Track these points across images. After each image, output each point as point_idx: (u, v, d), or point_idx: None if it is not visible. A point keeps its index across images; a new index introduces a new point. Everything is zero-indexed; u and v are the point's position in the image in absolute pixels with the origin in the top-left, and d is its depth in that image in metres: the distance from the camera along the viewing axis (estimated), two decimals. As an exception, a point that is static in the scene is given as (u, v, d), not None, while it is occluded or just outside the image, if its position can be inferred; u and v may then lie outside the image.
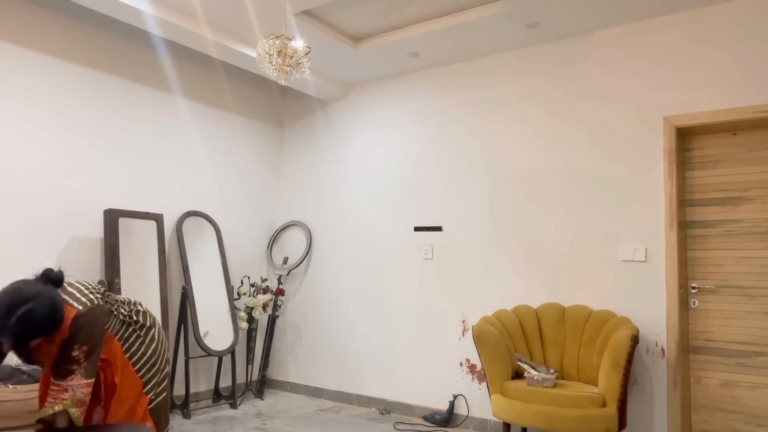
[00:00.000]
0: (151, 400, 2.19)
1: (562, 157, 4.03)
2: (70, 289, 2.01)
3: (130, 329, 2.18)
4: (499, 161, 4.30)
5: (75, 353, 1.94)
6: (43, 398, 2.03)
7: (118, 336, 2.14)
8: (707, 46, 3.56)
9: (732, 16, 3.50)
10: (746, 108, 3.39)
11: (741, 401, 3.42)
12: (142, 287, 4.08)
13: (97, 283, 3.89)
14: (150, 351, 2.22)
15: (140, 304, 2.28)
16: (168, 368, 2.32)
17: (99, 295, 2.06)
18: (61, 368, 1.92)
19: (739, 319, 3.46)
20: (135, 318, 2.20)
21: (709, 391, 3.52)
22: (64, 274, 2.00)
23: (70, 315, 1.95)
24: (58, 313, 1.88)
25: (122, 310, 2.17)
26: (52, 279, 1.95)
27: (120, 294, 3.90)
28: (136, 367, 2.17)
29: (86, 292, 2.03)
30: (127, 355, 2.15)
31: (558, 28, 3.95)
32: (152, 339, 2.24)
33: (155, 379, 2.22)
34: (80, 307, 1.96)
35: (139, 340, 2.19)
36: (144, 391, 2.17)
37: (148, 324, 2.24)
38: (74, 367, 1.93)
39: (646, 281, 3.63)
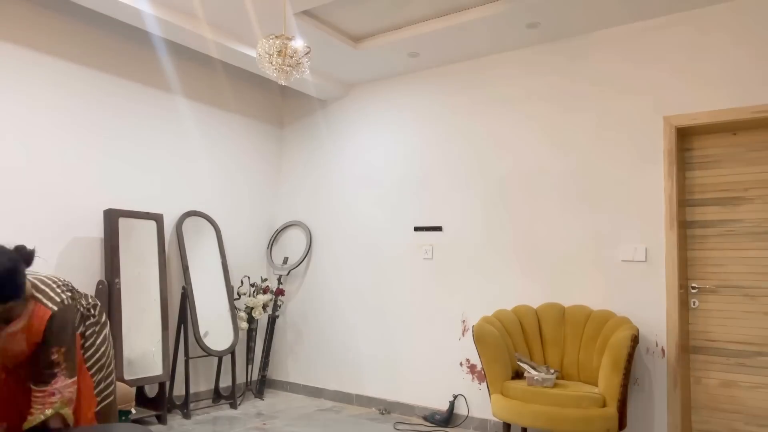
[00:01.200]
0: (98, 403, 2.12)
1: (561, 157, 4.03)
2: (42, 287, 1.96)
3: (88, 323, 2.12)
4: (498, 161, 4.30)
5: (54, 356, 1.91)
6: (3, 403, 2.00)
7: (79, 331, 2.09)
8: (707, 46, 3.56)
9: (732, 16, 3.50)
10: (746, 108, 3.39)
11: (741, 401, 3.42)
12: (142, 287, 4.08)
13: (97, 283, 3.90)
14: (102, 349, 2.16)
15: (97, 300, 2.23)
16: (114, 374, 2.26)
17: (69, 292, 2.02)
18: (42, 374, 1.89)
19: (739, 319, 3.46)
20: (93, 312, 2.15)
21: (709, 391, 3.52)
22: (35, 258, 1.93)
23: (45, 315, 1.92)
24: (18, 277, 1.81)
25: (83, 302, 2.13)
26: (23, 255, 1.88)
27: (120, 294, 3.91)
28: (88, 364, 2.10)
29: (58, 290, 1.98)
30: (82, 350, 2.08)
31: (558, 28, 3.95)
32: (105, 338, 2.18)
33: (105, 382, 2.15)
34: (54, 307, 1.93)
35: (94, 336, 2.14)
36: (94, 392, 2.11)
37: (102, 320, 2.19)
38: (56, 370, 1.91)
39: (646, 281, 3.63)
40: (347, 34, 4.28)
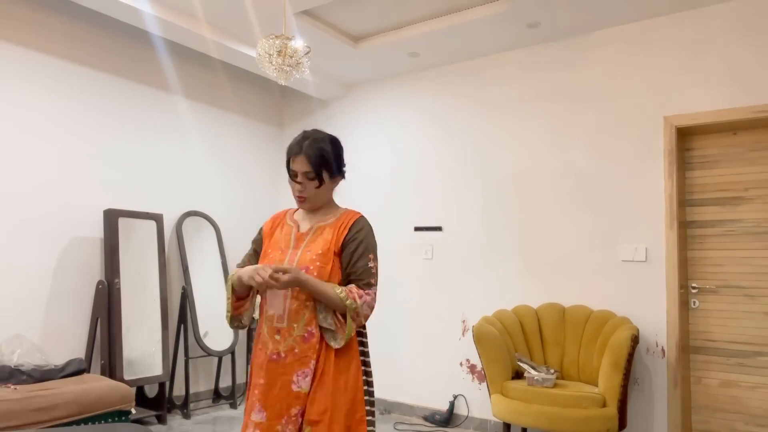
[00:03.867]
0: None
1: (562, 156, 4.03)
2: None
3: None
4: (498, 161, 4.29)
5: (371, 264, 1.79)
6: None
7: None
8: (707, 46, 3.56)
9: (732, 16, 3.50)
10: (746, 108, 3.39)
11: (741, 401, 3.42)
12: (141, 287, 4.08)
13: (97, 283, 3.89)
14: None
15: None
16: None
17: None
18: (362, 279, 1.77)
19: (739, 319, 3.46)
20: None
21: (709, 391, 3.52)
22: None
23: (354, 217, 1.94)
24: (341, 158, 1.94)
25: None
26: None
27: (120, 294, 3.90)
28: None
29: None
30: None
31: (558, 28, 3.94)
32: None
33: None
34: (361, 213, 1.89)
35: None
36: None
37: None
38: (372, 280, 1.77)
39: (646, 281, 3.63)
40: (347, 34, 4.28)
